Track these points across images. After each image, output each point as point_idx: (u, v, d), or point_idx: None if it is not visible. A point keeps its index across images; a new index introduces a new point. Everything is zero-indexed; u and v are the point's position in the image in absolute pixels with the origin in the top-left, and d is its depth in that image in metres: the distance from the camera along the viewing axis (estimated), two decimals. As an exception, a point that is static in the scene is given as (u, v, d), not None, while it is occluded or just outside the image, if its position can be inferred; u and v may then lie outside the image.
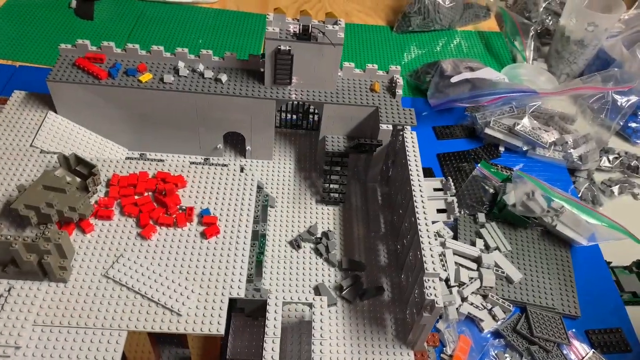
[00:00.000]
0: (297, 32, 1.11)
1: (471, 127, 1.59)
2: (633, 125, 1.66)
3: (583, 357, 1.10)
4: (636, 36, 1.74)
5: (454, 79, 1.55)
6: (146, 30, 1.87)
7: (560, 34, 1.79)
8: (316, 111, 1.36)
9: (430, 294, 0.88)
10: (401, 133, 1.19)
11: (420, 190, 1.04)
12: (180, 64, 1.20)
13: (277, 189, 1.28)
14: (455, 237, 1.26)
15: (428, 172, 1.44)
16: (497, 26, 2.10)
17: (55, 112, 1.22)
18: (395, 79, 1.25)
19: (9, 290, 0.90)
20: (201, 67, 1.21)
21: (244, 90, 1.18)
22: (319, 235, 1.18)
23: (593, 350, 1.11)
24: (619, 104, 1.46)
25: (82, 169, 1.08)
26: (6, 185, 1.06)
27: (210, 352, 1.00)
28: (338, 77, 1.24)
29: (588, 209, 1.25)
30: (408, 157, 1.11)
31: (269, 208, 1.22)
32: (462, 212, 1.31)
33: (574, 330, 1.15)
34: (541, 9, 1.97)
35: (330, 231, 1.19)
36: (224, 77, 1.19)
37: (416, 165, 1.10)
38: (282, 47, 1.12)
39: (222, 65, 1.23)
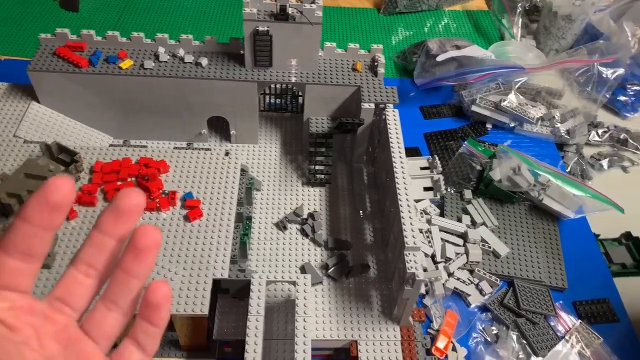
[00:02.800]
0: (275, 12, 1.11)
1: (458, 105, 1.58)
2: (622, 98, 1.65)
3: (570, 328, 1.10)
4: (623, 9, 1.72)
5: (439, 58, 1.54)
6: (133, 20, 1.86)
7: (548, 9, 1.78)
8: (300, 93, 1.36)
9: (411, 267, 0.89)
10: (384, 111, 1.19)
11: (401, 166, 1.04)
12: (161, 50, 1.20)
13: (263, 172, 1.28)
14: (442, 214, 1.26)
15: (415, 152, 1.44)
16: (485, 4, 2.08)
17: (38, 102, 1.22)
18: (376, 57, 1.24)
19: (-7, 277, 0.91)
20: (181, 52, 1.20)
21: (225, 73, 1.18)
22: (305, 216, 1.19)
23: (580, 321, 1.12)
24: (604, 76, 1.46)
25: (64, 157, 1.09)
26: (-10, 175, 1.07)
27: (198, 334, 1.01)
28: (319, 58, 1.24)
29: (573, 181, 1.25)
30: (389, 134, 1.11)
31: (255, 191, 1.23)
32: (449, 190, 1.31)
33: (561, 302, 1.15)
34: (529, -14, 1.95)
35: (316, 212, 1.19)
36: (204, 61, 1.19)
37: (398, 141, 1.09)
38: (261, 28, 1.11)
39: (203, 49, 1.22)
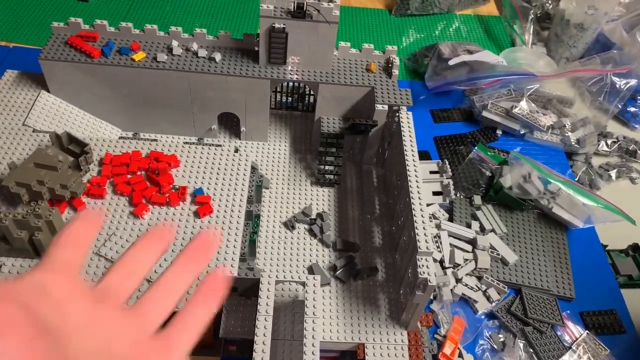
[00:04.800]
0: (292, 9, 1.10)
1: (469, 110, 1.57)
2: (632, 109, 1.65)
3: (577, 339, 1.10)
4: (636, 20, 1.72)
5: (451, 62, 1.54)
6: (142, 12, 1.85)
7: (560, 17, 1.77)
8: (311, 92, 1.35)
9: (423, 273, 0.88)
10: (397, 114, 1.18)
11: (415, 170, 1.03)
12: (174, 43, 1.19)
13: (272, 171, 1.27)
14: (450, 219, 1.25)
15: (425, 155, 1.43)
16: (497, 10, 2.08)
17: (49, 91, 1.21)
18: (391, 59, 1.23)
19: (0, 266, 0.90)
20: (195, 46, 1.19)
21: (238, 69, 1.17)
22: (313, 217, 1.18)
23: (587, 331, 1.11)
24: (617, 86, 1.45)
25: (74, 147, 1.07)
26: (-2, 163, 1.06)
27: (204, 332, 1.00)
28: (334, 57, 1.23)
29: (584, 191, 1.24)
30: (403, 137, 1.10)
31: (264, 189, 1.22)
32: (458, 195, 1.30)
33: (568, 311, 1.15)
34: (541, -7, 1.94)
35: (324, 212, 1.18)
36: (217, 56, 1.18)
37: (411, 145, 1.09)
38: (277, 25, 1.10)
39: (216, 44, 1.21)
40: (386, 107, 1.17)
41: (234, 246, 0.98)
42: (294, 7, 1.09)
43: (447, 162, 1.32)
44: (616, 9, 1.75)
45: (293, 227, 1.15)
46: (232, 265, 0.95)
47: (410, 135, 1.11)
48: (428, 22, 1.98)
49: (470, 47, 1.67)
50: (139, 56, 1.17)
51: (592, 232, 1.31)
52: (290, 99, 1.40)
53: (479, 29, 1.98)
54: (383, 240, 1.16)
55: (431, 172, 1.34)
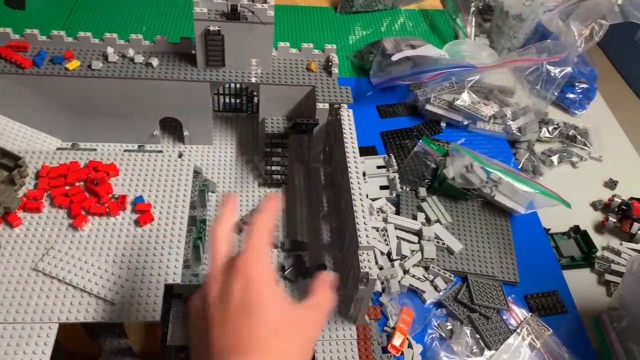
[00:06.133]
0: (226, 11, 1.09)
1: (413, 104, 1.60)
2: (570, 96, 1.71)
3: (521, 321, 1.13)
4: (571, 9, 1.77)
5: (394, 57, 1.56)
6: (83, 18, 1.81)
7: (500, 9, 1.82)
8: (255, 93, 1.35)
9: (365, 267, 0.89)
10: (339, 111, 1.19)
11: (355, 165, 1.05)
12: (109, 50, 1.17)
13: (218, 174, 1.26)
14: (397, 212, 1.27)
15: (371, 151, 1.45)
16: (440, 4, 2.12)
17: (-20, 104, 1.17)
18: (330, 57, 1.24)
19: None
20: (131, 52, 1.17)
21: (176, 73, 1.16)
22: (261, 218, 1.17)
23: (531, 313, 1.15)
24: (552, 74, 1.50)
25: (7, 161, 1.04)
26: None
27: (151, 340, 0.99)
28: (274, 58, 1.23)
29: (522, 177, 1.28)
30: (344, 134, 1.11)
31: (210, 193, 1.21)
32: (404, 188, 1.33)
33: (513, 296, 1.18)
34: (481, -14, 1.99)
35: (272, 213, 1.18)
36: (154, 61, 1.16)
37: (352, 141, 1.10)
38: (212, 28, 1.10)
39: (154, 49, 1.20)
40: (327, 105, 1.18)
41: (177, 253, 0.97)
42: (228, 9, 1.09)
43: (392, 157, 1.35)
44: (552, -1, 1.81)
45: (241, 230, 1.15)
46: (174, 273, 0.95)
47: (350, 132, 1.12)
48: (373, 18, 2.00)
49: (414, 41, 1.70)
50: (73, 65, 1.14)
51: (535, 217, 1.35)
52: (234, 100, 1.39)
53: (423, 24, 2.01)
54: (331, 237, 1.17)
55: (378, 167, 1.36)
